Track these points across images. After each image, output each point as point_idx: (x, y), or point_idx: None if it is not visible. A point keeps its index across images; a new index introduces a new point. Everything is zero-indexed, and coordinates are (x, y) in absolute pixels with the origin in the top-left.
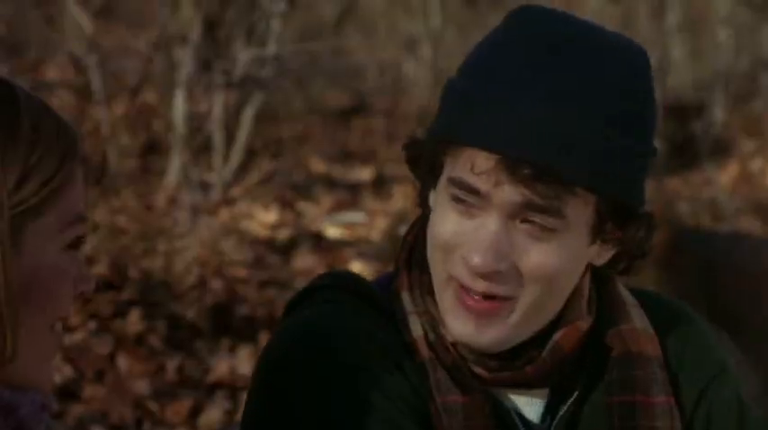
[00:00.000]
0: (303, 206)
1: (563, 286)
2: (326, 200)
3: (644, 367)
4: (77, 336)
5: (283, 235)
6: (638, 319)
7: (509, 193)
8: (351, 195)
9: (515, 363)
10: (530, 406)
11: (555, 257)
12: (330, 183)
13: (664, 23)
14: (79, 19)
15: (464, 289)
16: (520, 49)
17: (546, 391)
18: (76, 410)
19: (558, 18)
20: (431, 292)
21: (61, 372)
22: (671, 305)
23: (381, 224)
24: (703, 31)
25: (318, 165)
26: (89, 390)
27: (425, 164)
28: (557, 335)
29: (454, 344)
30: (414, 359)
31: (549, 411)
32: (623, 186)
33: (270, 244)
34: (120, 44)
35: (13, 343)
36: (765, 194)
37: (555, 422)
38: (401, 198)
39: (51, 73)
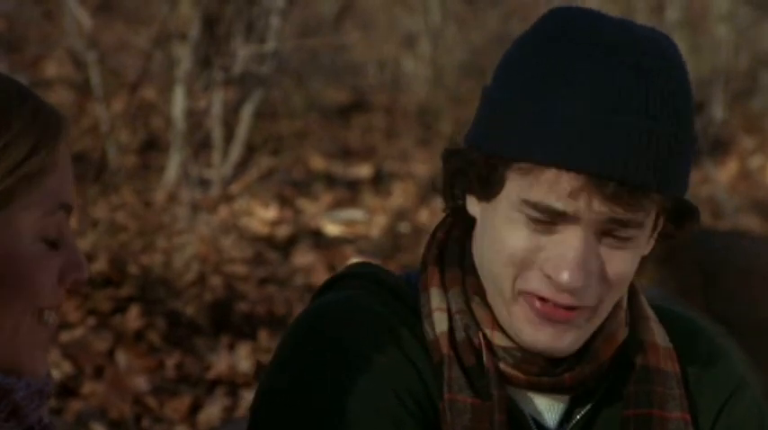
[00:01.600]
0: (302, 203)
1: (625, 289)
2: (326, 197)
3: (662, 382)
4: (76, 333)
5: (283, 232)
6: (659, 335)
7: (598, 212)
8: (350, 192)
9: (555, 370)
10: (548, 410)
11: (631, 262)
12: (329, 179)
13: (663, 20)
14: (78, 15)
15: (540, 298)
16: (584, 64)
17: (567, 397)
18: (75, 406)
19: (603, 19)
20: (479, 293)
21: (60, 369)
22: (688, 320)
23: (381, 221)
24: (703, 29)
25: (318, 162)
26: (88, 387)
27: (476, 177)
28: (596, 344)
29: (491, 348)
30: (430, 356)
31: (566, 416)
32: (683, 184)
33: (269, 241)
34: (119, 41)
35: None
36: (764, 192)
37: (570, 426)
38: (400, 195)
39: (50, 69)
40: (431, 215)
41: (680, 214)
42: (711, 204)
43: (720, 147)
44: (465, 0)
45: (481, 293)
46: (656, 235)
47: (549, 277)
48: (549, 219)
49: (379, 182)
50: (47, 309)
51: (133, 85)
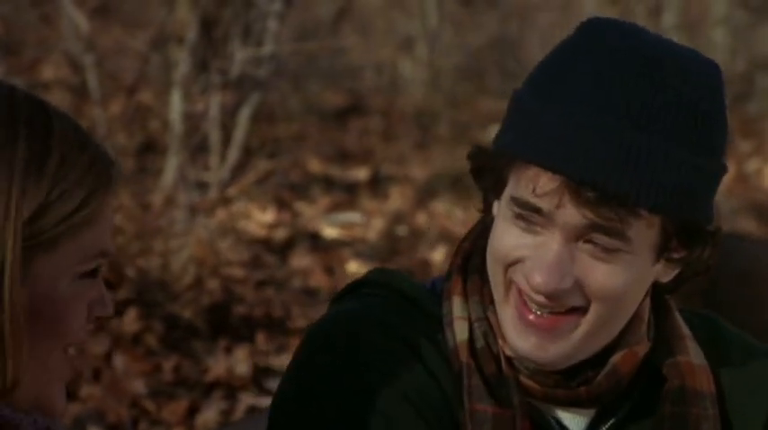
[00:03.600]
0: (300, 206)
1: (627, 306)
2: (323, 199)
3: (697, 404)
4: None
5: (280, 235)
6: (695, 354)
7: (572, 215)
8: (347, 195)
9: (570, 383)
10: (574, 422)
11: (618, 278)
12: (327, 182)
13: (660, 24)
14: (75, 18)
15: (525, 302)
16: (585, 67)
17: (592, 411)
18: (73, 409)
19: (628, 33)
20: (492, 302)
21: None
22: (725, 334)
23: (378, 224)
24: (700, 32)
25: (315, 165)
26: (86, 390)
27: (490, 176)
28: (615, 358)
29: (509, 357)
30: (450, 365)
31: (595, 426)
32: (689, 206)
33: (267, 244)
34: (116, 43)
35: (15, 372)
36: (762, 195)
37: None
38: (398, 198)
39: (48, 72)
40: (428, 218)
41: (687, 236)
42: None
43: None
44: (462, 3)
45: (493, 301)
46: (664, 257)
47: (527, 278)
48: (528, 217)
49: (377, 185)
50: (72, 346)
51: (130, 88)
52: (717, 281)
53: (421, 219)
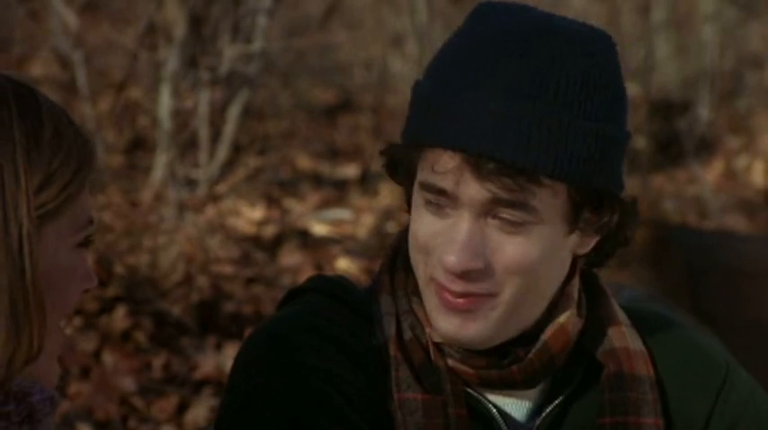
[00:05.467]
0: (289, 203)
1: (543, 279)
2: (313, 196)
3: (636, 388)
4: None
5: (269, 232)
6: (632, 339)
7: (475, 191)
8: (337, 192)
9: (502, 362)
10: (514, 409)
11: (529, 250)
12: (316, 179)
13: (649, 21)
14: (64, 15)
15: (444, 288)
16: (476, 47)
17: (534, 394)
18: (62, 407)
19: (515, 11)
20: (417, 293)
21: None
22: (661, 319)
23: (368, 221)
24: (689, 29)
25: (305, 162)
26: (74, 387)
27: (401, 169)
28: (544, 335)
29: (438, 344)
30: (382, 362)
31: (536, 412)
32: (591, 172)
33: (256, 241)
34: (105, 40)
35: (40, 340)
36: (750, 192)
37: (539, 421)
38: (388, 195)
39: (36, 69)
40: None
41: (596, 203)
42: (697, 204)
43: (706, 148)
44: (451, 0)
45: (418, 293)
46: (578, 228)
47: (441, 262)
48: (437, 201)
49: (367, 181)
50: (64, 318)
51: (119, 84)
52: (704, 277)
53: None
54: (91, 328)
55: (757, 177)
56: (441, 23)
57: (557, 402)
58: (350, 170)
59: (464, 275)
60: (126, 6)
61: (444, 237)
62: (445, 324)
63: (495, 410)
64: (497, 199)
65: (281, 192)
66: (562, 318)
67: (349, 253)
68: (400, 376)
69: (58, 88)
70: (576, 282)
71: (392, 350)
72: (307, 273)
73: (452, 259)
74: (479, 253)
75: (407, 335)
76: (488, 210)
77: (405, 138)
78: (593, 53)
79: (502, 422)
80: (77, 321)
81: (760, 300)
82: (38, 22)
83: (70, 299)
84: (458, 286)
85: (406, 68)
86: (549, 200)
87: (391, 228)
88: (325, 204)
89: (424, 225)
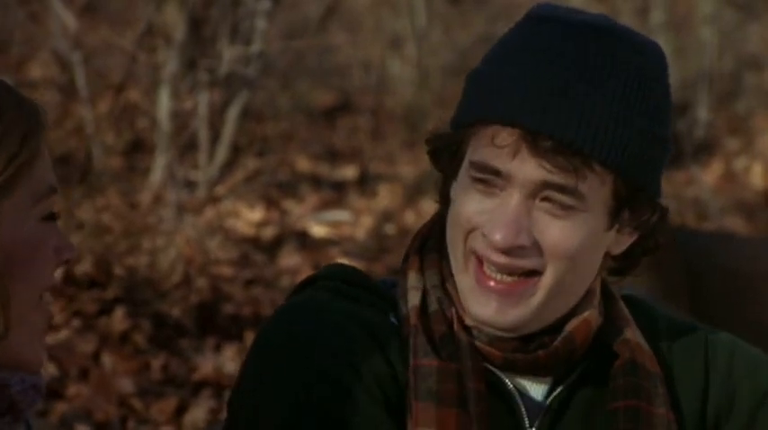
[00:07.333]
0: (288, 204)
1: (583, 267)
2: (312, 198)
3: (647, 378)
4: (61, 335)
5: (268, 233)
6: (642, 339)
7: (530, 168)
8: (336, 194)
9: (528, 347)
10: (533, 389)
11: (574, 235)
12: (315, 181)
13: (648, 22)
14: (63, 16)
15: (483, 269)
16: (539, 34)
17: (550, 379)
18: (60, 409)
19: (573, 10)
20: (451, 276)
21: (45, 371)
22: (655, 315)
23: (366, 222)
24: (687, 30)
25: (304, 164)
26: (73, 389)
27: (447, 153)
28: (569, 326)
29: (467, 326)
30: (401, 336)
31: (549, 393)
32: (639, 168)
33: (255, 242)
34: (104, 42)
35: (5, 319)
36: (749, 193)
37: (551, 398)
38: (386, 196)
39: (35, 71)
40: (417, 216)
41: (637, 201)
42: (696, 205)
43: (705, 149)
44: (450, 2)
45: (452, 276)
46: (617, 225)
47: (487, 238)
48: (488, 179)
49: (365, 183)
50: (45, 292)
51: (118, 86)
52: (703, 278)
53: (409, 217)
54: (90, 330)
55: (756, 179)
56: (439, 25)
57: (569, 381)
58: (349, 172)
59: (508, 251)
60: (125, 8)
61: (491, 214)
62: (482, 307)
63: (512, 386)
64: (549, 182)
65: (280, 193)
66: (586, 313)
67: (348, 254)
68: (418, 343)
69: (57, 90)
70: (599, 282)
71: (413, 319)
72: (306, 275)
73: (498, 235)
74: (524, 230)
75: (433, 307)
76: (538, 191)
77: (458, 121)
78: (653, 59)
79: (519, 398)
80: (76, 323)
81: (759, 301)
82: (37, 23)
83: (45, 271)
84: (501, 259)
85: (404, 70)
86: (597, 188)
87: (390, 229)
88: (324, 206)
89: (471, 202)
